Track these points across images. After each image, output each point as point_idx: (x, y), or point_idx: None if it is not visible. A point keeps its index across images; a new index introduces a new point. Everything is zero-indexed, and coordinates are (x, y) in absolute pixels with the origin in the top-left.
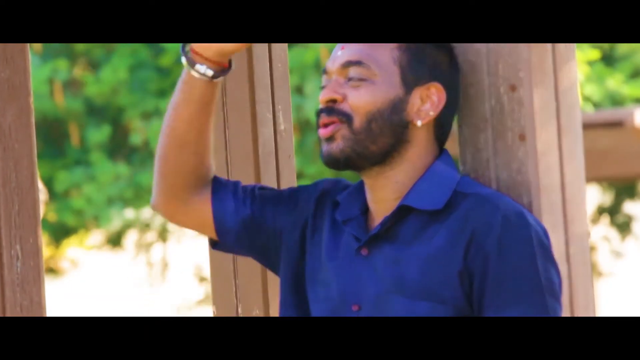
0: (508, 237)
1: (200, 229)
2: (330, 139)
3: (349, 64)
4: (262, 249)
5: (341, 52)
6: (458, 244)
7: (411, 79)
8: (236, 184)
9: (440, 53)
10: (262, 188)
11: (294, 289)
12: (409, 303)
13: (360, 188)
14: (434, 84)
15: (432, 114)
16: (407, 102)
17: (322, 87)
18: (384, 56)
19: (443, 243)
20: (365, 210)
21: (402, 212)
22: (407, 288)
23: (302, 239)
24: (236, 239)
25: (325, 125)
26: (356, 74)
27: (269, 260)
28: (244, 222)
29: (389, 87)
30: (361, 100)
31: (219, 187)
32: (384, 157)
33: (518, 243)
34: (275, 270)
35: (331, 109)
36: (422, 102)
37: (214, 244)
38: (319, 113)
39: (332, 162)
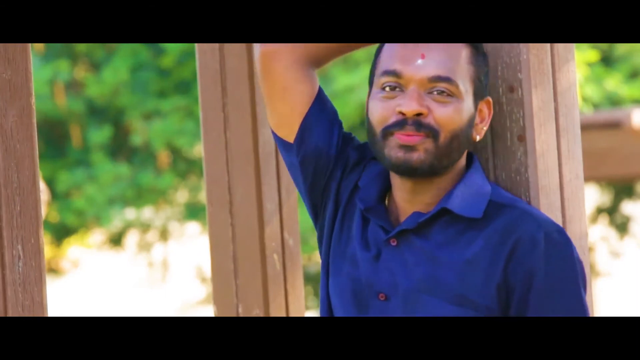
0: (553, 255)
1: (283, 105)
2: (412, 147)
3: (438, 79)
4: (316, 187)
5: (423, 62)
6: (498, 256)
7: (479, 95)
8: (336, 113)
9: (487, 62)
10: (352, 139)
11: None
12: (442, 306)
13: (381, 175)
14: (487, 98)
15: (485, 128)
16: (475, 118)
17: (388, 87)
18: (464, 72)
19: (481, 252)
20: (381, 199)
21: (440, 214)
22: (441, 291)
23: (336, 203)
24: (303, 158)
25: (409, 135)
26: (444, 89)
27: (313, 203)
28: (320, 153)
29: (468, 105)
30: (449, 118)
31: (324, 99)
32: (446, 169)
33: (562, 261)
34: (316, 218)
35: (419, 122)
36: (478, 117)
37: (283, 143)
38: (401, 123)
39: (408, 170)
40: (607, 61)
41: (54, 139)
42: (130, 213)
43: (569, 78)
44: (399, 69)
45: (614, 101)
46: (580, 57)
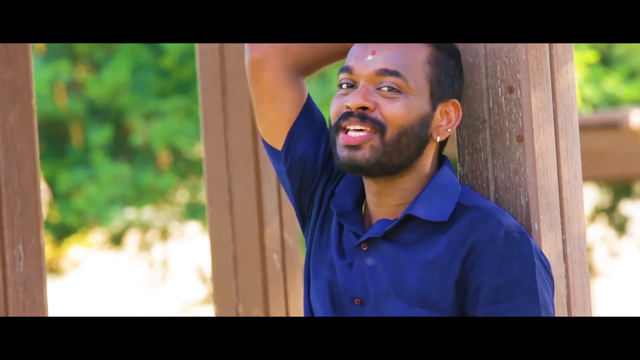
0: (510, 252)
1: (271, 111)
2: (356, 147)
3: (385, 72)
4: (303, 194)
5: (372, 58)
6: (458, 254)
7: (437, 96)
8: (324, 122)
9: (457, 65)
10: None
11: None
12: (407, 308)
13: (358, 181)
14: (453, 100)
15: (450, 130)
16: (432, 117)
17: (344, 85)
18: (418, 70)
19: (443, 252)
20: (358, 204)
21: (406, 220)
22: (405, 293)
23: (319, 210)
24: (290, 166)
25: (354, 131)
26: (392, 84)
27: (300, 210)
28: (307, 162)
29: (421, 103)
30: (397, 113)
31: (312, 107)
32: (402, 168)
33: (519, 259)
34: (303, 225)
35: (364, 115)
36: (441, 118)
37: (271, 150)
38: (346, 115)
39: (354, 168)
40: (605, 62)
41: (55, 139)
42: (130, 213)
43: (568, 78)
44: (351, 65)
45: (613, 102)
46: (579, 57)
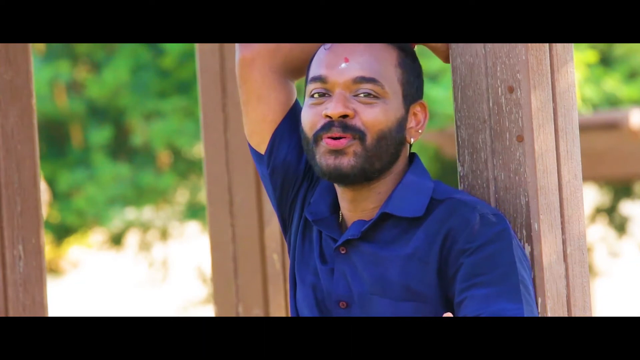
0: (486, 232)
1: (256, 112)
2: (340, 152)
3: (362, 79)
4: (284, 199)
5: (347, 65)
6: (435, 243)
7: (409, 98)
8: None
9: (419, 66)
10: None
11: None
12: (393, 304)
13: (328, 188)
14: (420, 102)
15: (420, 131)
16: (406, 120)
17: (317, 94)
18: (390, 74)
19: (420, 244)
20: (334, 210)
21: (382, 218)
22: (388, 289)
23: (300, 216)
24: (272, 170)
25: (336, 139)
26: (369, 91)
27: (282, 215)
28: (289, 166)
29: (396, 107)
30: (375, 119)
31: (299, 112)
32: (381, 173)
33: (496, 237)
34: (284, 230)
35: (345, 124)
36: (411, 120)
37: (256, 153)
38: (327, 126)
39: (340, 176)
40: (605, 62)
41: (55, 139)
42: (130, 213)
43: (568, 79)
44: (324, 74)
45: (613, 102)
46: (579, 57)
